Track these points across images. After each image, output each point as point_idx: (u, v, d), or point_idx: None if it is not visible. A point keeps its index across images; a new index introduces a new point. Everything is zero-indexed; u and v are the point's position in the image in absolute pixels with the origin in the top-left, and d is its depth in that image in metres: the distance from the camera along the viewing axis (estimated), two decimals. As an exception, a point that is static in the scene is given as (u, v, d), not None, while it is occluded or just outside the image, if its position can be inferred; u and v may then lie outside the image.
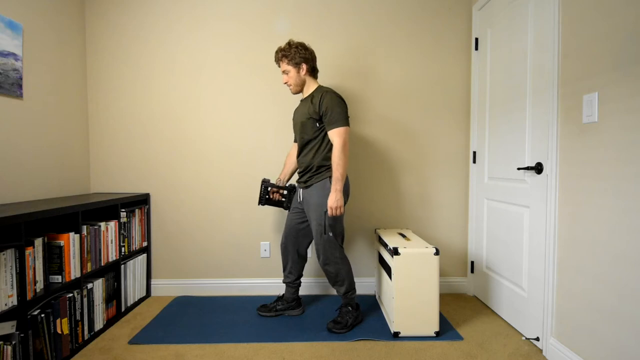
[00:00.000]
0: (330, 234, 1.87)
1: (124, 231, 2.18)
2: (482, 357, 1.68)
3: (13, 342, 1.39)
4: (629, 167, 1.24)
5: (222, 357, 1.69)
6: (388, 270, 1.97)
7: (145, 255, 2.42)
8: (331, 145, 1.88)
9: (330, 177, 1.85)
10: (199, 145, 2.45)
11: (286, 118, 2.43)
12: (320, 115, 1.85)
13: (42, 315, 1.54)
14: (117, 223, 2.09)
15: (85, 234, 1.83)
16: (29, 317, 1.48)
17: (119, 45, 2.42)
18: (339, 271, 1.93)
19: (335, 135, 1.81)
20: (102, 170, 2.46)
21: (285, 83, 1.95)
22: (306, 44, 1.93)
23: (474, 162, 2.40)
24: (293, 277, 2.11)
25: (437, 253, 1.84)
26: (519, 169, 1.79)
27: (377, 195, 2.47)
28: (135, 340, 1.84)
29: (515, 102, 1.93)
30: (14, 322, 1.41)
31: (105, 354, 1.73)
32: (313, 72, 1.94)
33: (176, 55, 2.42)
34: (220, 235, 2.47)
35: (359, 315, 2.00)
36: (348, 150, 1.79)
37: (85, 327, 1.82)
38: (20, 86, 1.88)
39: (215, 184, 2.46)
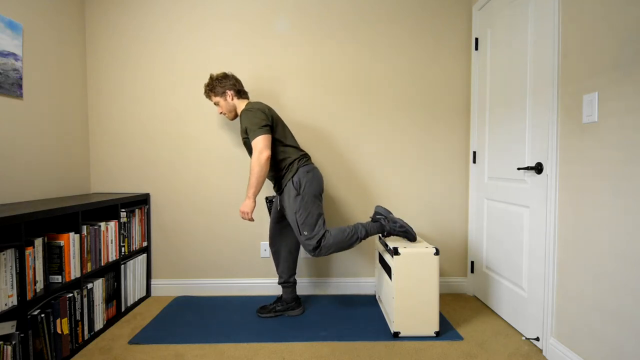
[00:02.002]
0: (305, 233, 1.91)
1: (124, 231, 2.18)
2: (482, 357, 1.68)
3: (13, 342, 1.39)
4: (629, 167, 1.24)
5: (222, 357, 1.69)
6: (388, 270, 1.97)
7: (145, 255, 2.42)
8: (279, 150, 1.95)
9: (293, 176, 1.93)
10: (199, 145, 2.45)
11: (286, 118, 2.43)
12: (247, 133, 1.93)
13: (42, 315, 1.54)
14: (117, 223, 2.09)
15: (85, 234, 1.83)
16: (29, 317, 1.48)
17: (119, 45, 2.42)
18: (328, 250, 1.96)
19: (253, 146, 1.87)
20: (102, 170, 2.46)
21: (221, 113, 2.09)
22: (227, 72, 2.08)
23: (474, 162, 2.40)
24: (286, 275, 2.13)
25: (437, 253, 1.84)
26: (519, 169, 1.79)
27: (377, 195, 2.47)
28: (135, 340, 1.84)
29: (515, 102, 1.93)
30: (14, 322, 1.41)
31: (105, 354, 1.73)
32: (240, 94, 2.05)
33: (176, 55, 2.42)
34: (220, 235, 2.47)
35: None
36: (266, 159, 1.84)
37: (85, 327, 1.82)
38: (20, 86, 1.88)
39: (215, 184, 2.46)
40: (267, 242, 2.47)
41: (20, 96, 1.89)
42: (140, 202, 2.39)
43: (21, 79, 1.89)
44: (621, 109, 1.27)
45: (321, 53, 2.42)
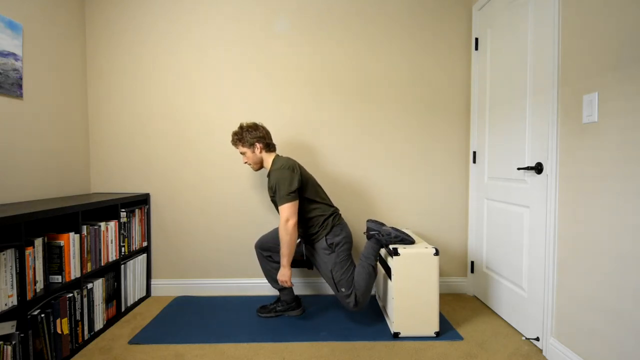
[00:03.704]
0: (343, 290, 1.90)
1: (124, 231, 2.18)
2: (482, 357, 1.68)
3: (13, 342, 1.39)
4: (629, 167, 1.24)
5: (222, 357, 1.69)
6: (388, 271, 1.97)
7: (145, 255, 2.42)
8: (311, 208, 1.94)
9: (327, 235, 1.92)
10: (199, 145, 2.45)
11: (286, 118, 2.43)
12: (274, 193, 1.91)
13: (42, 315, 1.54)
14: (117, 223, 2.09)
15: (85, 234, 1.83)
16: (29, 317, 1.48)
17: (119, 45, 2.42)
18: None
19: (280, 212, 1.86)
20: (102, 170, 2.46)
21: (245, 163, 2.05)
22: (258, 123, 2.02)
23: (474, 162, 2.40)
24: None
25: (436, 253, 1.84)
26: (519, 169, 1.79)
27: (377, 195, 2.47)
28: (135, 340, 1.84)
29: (515, 102, 1.93)
30: (14, 322, 1.41)
31: (105, 354, 1.73)
32: (268, 148, 2.00)
33: (176, 55, 2.42)
34: (220, 235, 2.47)
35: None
36: (293, 227, 1.84)
37: (85, 327, 1.82)
38: (20, 86, 1.88)
39: (215, 184, 2.46)
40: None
41: (20, 96, 1.89)
42: (140, 202, 2.39)
43: (21, 79, 1.89)
44: (621, 109, 1.27)
45: (321, 53, 2.42)
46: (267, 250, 2.12)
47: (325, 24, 2.41)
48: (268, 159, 2.01)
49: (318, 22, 2.41)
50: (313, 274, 2.48)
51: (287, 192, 1.84)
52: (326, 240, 1.92)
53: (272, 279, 2.12)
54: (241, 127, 1.99)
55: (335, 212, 2.00)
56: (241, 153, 2.02)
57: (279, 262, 2.10)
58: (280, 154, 2.13)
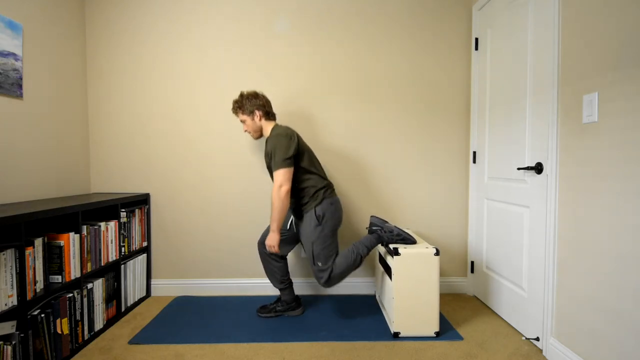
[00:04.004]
0: (319, 264, 1.92)
1: (124, 231, 2.18)
2: (482, 357, 1.68)
3: (13, 342, 1.39)
4: (629, 166, 1.24)
5: (222, 357, 1.69)
6: (388, 271, 1.97)
7: (145, 255, 2.42)
8: (304, 178, 1.95)
9: (317, 206, 1.92)
10: (199, 145, 2.45)
11: (287, 118, 2.43)
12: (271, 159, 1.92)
13: (42, 315, 1.54)
14: (117, 223, 2.09)
15: (85, 234, 1.83)
16: (29, 317, 1.48)
17: (119, 45, 2.42)
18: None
19: (274, 177, 1.87)
20: (102, 170, 2.46)
21: (245, 131, 2.07)
22: (258, 91, 2.05)
23: (474, 162, 2.40)
24: (279, 275, 2.11)
25: (437, 253, 1.84)
26: (519, 169, 1.79)
27: (377, 195, 2.47)
28: (135, 340, 1.84)
29: (515, 102, 1.93)
30: (14, 322, 1.41)
31: (105, 354, 1.73)
32: (268, 116, 2.02)
33: (176, 55, 2.42)
34: (220, 235, 2.47)
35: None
36: (285, 193, 1.84)
37: (85, 327, 1.82)
38: (20, 86, 1.88)
39: (215, 184, 2.46)
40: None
41: (20, 96, 1.89)
42: (140, 202, 2.39)
43: (21, 79, 1.89)
44: (621, 109, 1.27)
45: (321, 53, 2.42)
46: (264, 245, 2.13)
47: (325, 24, 2.41)
48: (267, 127, 2.02)
49: (318, 22, 2.41)
50: (312, 275, 2.48)
51: (283, 158, 1.85)
52: (315, 211, 1.92)
53: (274, 277, 2.12)
54: (241, 95, 2.01)
55: (328, 186, 2.00)
56: (241, 121, 2.04)
57: (280, 261, 2.11)
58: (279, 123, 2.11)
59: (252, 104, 1.98)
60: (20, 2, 1.90)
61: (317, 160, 2.05)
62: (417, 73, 2.43)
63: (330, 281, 1.92)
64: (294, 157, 1.88)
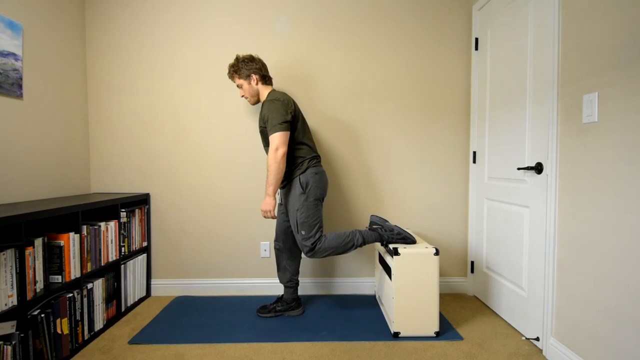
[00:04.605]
0: (303, 232, 1.91)
1: (124, 231, 2.18)
2: (482, 357, 1.68)
3: (13, 342, 1.39)
4: (629, 167, 1.24)
5: (222, 357, 1.69)
6: (388, 270, 1.97)
7: (145, 255, 2.42)
8: (294, 148, 1.94)
9: (301, 174, 1.92)
10: (200, 145, 2.45)
11: (286, 118, 2.43)
12: (266, 123, 1.91)
13: (42, 315, 1.54)
14: (117, 223, 2.09)
15: (85, 234, 1.83)
16: (29, 317, 1.48)
17: (119, 45, 2.42)
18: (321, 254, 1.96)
19: (270, 141, 1.86)
20: (102, 170, 2.46)
21: (242, 96, 2.05)
22: (254, 55, 2.02)
23: (474, 162, 2.40)
24: (289, 274, 2.12)
25: (437, 253, 1.85)
26: (519, 169, 1.79)
27: (377, 195, 2.47)
28: (135, 340, 1.84)
29: (515, 102, 1.93)
30: (14, 322, 1.41)
31: (105, 354, 1.73)
32: (264, 80, 2.01)
33: (177, 55, 2.42)
34: (220, 235, 2.47)
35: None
36: (282, 156, 1.83)
37: (85, 327, 1.82)
38: (20, 86, 1.88)
39: (215, 184, 2.46)
40: (267, 242, 2.47)
41: (20, 96, 1.89)
42: (140, 202, 2.39)
43: (21, 79, 1.89)
44: (621, 109, 1.27)
45: (320, 53, 2.42)
46: (277, 240, 2.14)
47: (325, 24, 2.41)
48: (264, 91, 2.01)
49: (318, 22, 2.41)
50: (313, 274, 2.48)
51: (280, 122, 1.84)
52: (299, 179, 1.92)
53: (284, 275, 2.13)
54: (237, 58, 1.98)
55: (315, 157, 2.00)
56: (238, 86, 2.02)
57: (294, 260, 2.12)
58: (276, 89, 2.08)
59: (249, 67, 1.96)
60: (20, 2, 1.90)
61: (309, 130, 2.04)
62: (417, 73, 2.43)
63: (314, 253, 1.92)
64: (289, 123, 1.88)
